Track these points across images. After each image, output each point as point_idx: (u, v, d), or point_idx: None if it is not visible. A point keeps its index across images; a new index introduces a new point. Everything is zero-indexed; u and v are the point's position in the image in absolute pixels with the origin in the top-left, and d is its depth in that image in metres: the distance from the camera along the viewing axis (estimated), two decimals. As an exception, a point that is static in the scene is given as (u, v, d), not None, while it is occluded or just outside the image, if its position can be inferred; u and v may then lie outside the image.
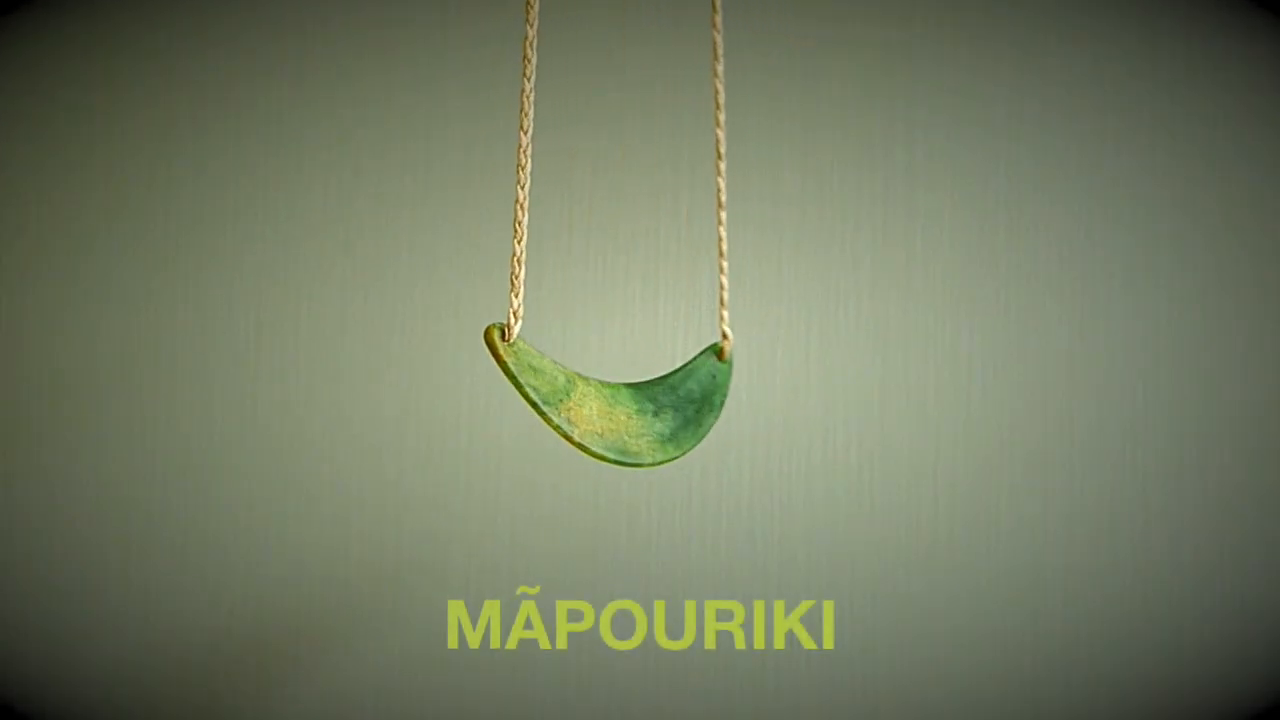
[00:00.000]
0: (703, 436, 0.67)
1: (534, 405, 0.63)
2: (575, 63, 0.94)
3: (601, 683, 0.93)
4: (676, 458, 0.66)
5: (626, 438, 0.64)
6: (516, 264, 0.63)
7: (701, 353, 0.70)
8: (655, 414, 0.66)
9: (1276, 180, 0.91)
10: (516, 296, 0.63)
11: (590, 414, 0.64)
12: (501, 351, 0.63)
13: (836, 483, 0.92)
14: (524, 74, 0.65)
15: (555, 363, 0.64)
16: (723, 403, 0.68)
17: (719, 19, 0.64)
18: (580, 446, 0.63)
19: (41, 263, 0.96)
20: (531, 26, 0.65)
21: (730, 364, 0.70)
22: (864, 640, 0.92)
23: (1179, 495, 0.91)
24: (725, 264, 0.68)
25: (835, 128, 0.93)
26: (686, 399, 0.67)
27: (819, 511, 0.92)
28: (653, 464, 0.65)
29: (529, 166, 0.64)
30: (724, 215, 0.67)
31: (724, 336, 0.68)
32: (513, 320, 0.63)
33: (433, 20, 0.95)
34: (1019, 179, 0.92)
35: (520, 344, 0.63)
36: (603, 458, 0.63)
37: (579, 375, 0.65)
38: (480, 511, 0.94)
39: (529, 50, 0.65)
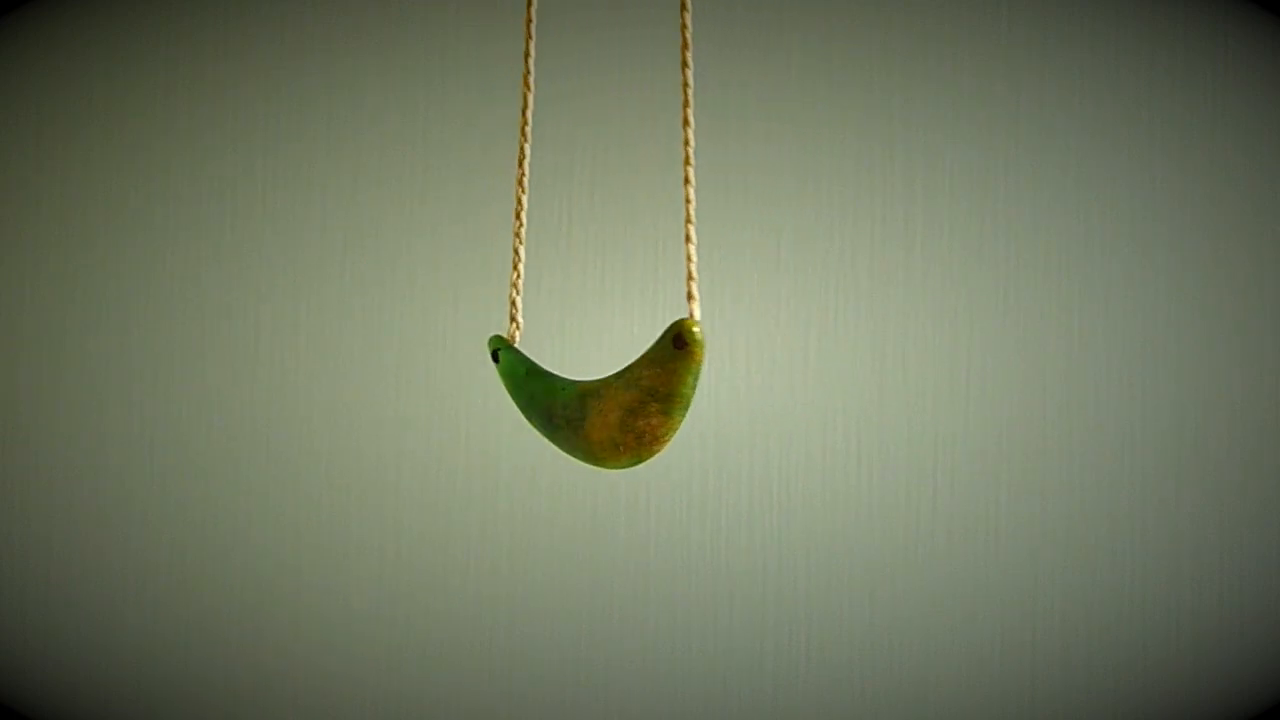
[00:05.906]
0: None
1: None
2: (580, 65, 0.94)
3: (601, 683, 0.93)
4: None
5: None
6: (516, 279, 0.68)
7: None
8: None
9: (1276, 180, 0.91)
10: (516, 309, 0.68)
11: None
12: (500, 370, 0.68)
13: (836, 482, 0.92)
14: (524, 84, 0.66)
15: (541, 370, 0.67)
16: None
17: (688, 17, 0.64)
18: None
19: (41, 263, 0.96)
20: (529, 40, 0.67)
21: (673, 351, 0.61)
22: (863, 639, 0.92)
23: (1178, 495, 0.91)
24: (692, 247, 0.64)
25: (835, 127, 0.93)
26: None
27: (818, 511, 0.92)
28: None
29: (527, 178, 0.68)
30: (692, 193, 0.64)
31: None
32: (515, 331, 0.67)
33: (432, 21, 0.95)
34: (1019, 179, 0.92)
35: (510, 358, 0.67)
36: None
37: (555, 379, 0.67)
38: (480, 512, 0.94)
39: (529, 50, 0.67)
